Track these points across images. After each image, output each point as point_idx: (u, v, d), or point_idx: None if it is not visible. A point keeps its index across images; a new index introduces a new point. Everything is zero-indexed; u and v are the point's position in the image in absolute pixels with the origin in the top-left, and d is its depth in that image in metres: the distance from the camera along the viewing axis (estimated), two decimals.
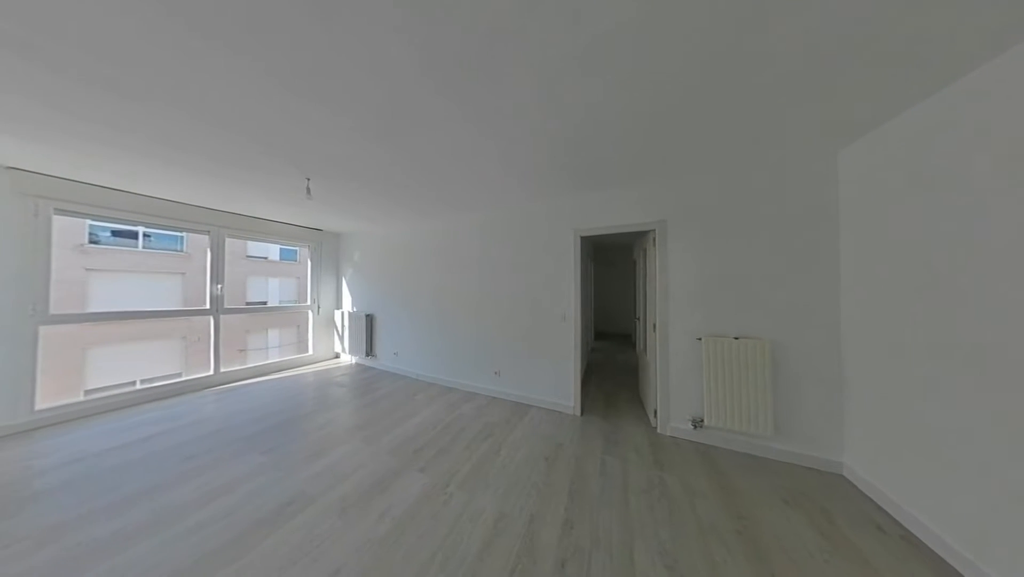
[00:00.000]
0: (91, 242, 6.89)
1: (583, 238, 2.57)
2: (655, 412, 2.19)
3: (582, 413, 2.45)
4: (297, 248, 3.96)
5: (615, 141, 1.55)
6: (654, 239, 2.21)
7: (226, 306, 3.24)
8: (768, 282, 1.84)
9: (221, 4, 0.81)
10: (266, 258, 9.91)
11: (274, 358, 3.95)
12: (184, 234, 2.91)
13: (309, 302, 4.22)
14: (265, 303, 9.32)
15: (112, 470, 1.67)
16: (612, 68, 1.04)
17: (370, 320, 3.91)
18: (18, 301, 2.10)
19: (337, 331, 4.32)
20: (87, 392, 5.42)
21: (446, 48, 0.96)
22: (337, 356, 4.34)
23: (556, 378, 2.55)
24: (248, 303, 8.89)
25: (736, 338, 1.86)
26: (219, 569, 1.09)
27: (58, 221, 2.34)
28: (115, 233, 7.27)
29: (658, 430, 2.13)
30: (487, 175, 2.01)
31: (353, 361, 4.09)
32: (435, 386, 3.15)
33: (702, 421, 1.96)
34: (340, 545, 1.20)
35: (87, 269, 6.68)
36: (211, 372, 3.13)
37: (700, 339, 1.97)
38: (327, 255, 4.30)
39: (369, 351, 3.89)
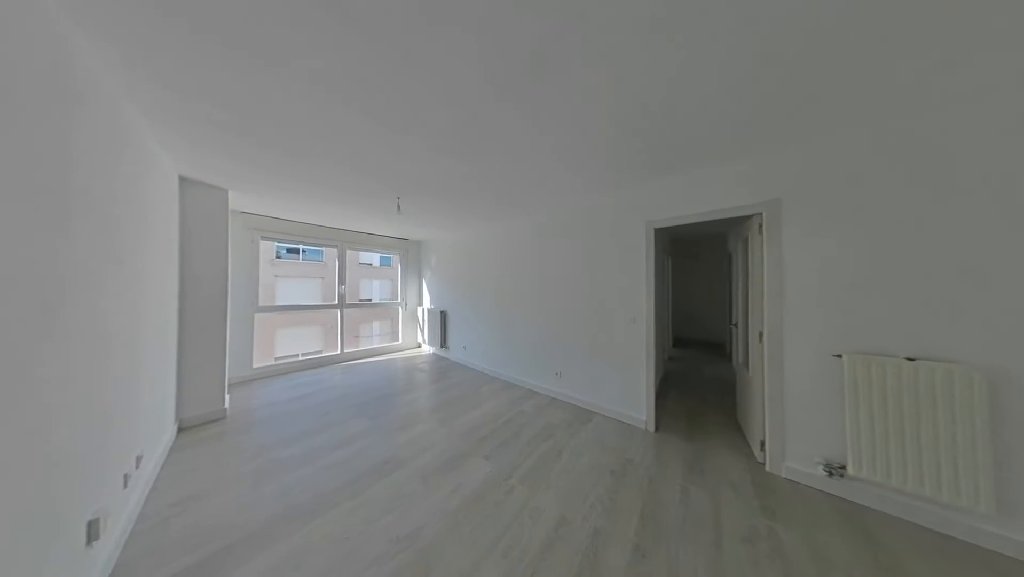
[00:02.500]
0: (277, 257, 10.19)
1: (658, 230, 2.26)
2: (762, 444, 1.73)
3: (657, 429, 2.16)
4: (391, 255, 4.86)
5: (706, 108, 1.28)
6: (760, 225, 1.75)
7: (347, 302, 4.25)
8: (970, 278, 1.21)
9: (340, 67, 1.06)
10: (371, 264, 12.63)
11: (376, 344, 4.94)
12: (322, 248, 3.99)
13: (399, 300, 5.10)
14: (370, 300, 11.91)
15: (288, 414, 2.42)
16: (708, 15, 0.87)
17: (444, 316, 4.44)
18: (247, 297, 3.27)
19: (419, 324, 5.06)
20: (276, 359, 8.01)
21: (508, 55, 1.00)
22: (419, 346, 5.09)
23: (624, 386, 2.32)
24: (360, 300, 11.49)
25: (911, 359, 1.29)
26: (346, 500, 1.44)
27: (262, 244, 3.54)
28: (288, 250, 10.53)
29: (767, 467, 1.68)
30: (547, 172, 1.99)
31: (431, 351, 4.72)
32: (498, 380, 3.33)
33: (843, 468, 1.44)
34: (421, 507, 1.40)
35: (275, 276, 9.91)
36: (338, 351, 4.16)
37: (840, 356, 1.45)
38: (411, 260, 5.10)
39: (443, 343, 4.41)
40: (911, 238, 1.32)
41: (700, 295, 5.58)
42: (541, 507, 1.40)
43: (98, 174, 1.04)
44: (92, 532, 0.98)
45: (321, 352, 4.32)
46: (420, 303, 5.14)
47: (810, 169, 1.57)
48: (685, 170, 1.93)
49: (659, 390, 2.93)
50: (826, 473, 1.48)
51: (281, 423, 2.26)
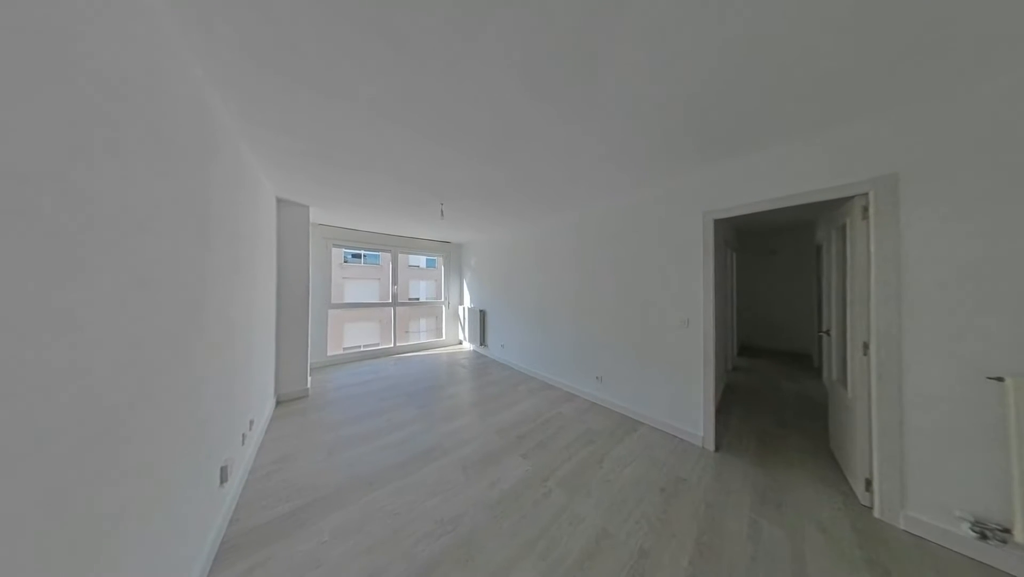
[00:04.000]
0: (344, 261, 11.86)
1: (719, 222, 1.98)
2: (868, 482, 1.39)
3: (717, 448, 1.90)
4: (435, 257, 5.25)
5: (784, 76, 1.09)
6: (865, 209, 1.40)
7: (399, 301, 4.72)
8: None
9: (390, 90, 1.19)
10: (418, 266, 13.82)
11: (422, 340, 5.37)
12: (379, 253, 4.52)
13: (442, 299, 5.46)
14: (418, 299, 13.02)
15: (353, 397, 2.79)
16: None
17: (483, 315, 4.60)
18: (323, 296, 3.87)
19: (460, 322, 5.35)
20: (344, 348, 9.36)
21: (544, 55, 0.99)
22: (460, 343, 5.38)
23: (674, 396, 2.10)
24: (409, 299, 12.67)
25: None
26: (397, 479, 1.61)
27: (333, 251, 4.16)
28: (352, 255, 12.17)
29: (876, 513, 1.34)
30: (587, 169, 1.92)
31: (471, 348, 4.95)
32: (535, 380, 3.32)
33: (1006, 532, 1.07)
34: (463, 495, 1.48)
35: (343, 277, 11.54)
36: (392, 345, 4.65)
37: (1001, 380, 1.08)
38: (453, 261, 5.42)
39: (482, 341, 4.58)
40: None
41: (776, 296, 4.71)
42: (581, 515, 1.36)
43: (226, 201, 1.36)
44: (223, 475, 1.28)
45: (378, 344, 4.88)
46: (461, 302, 5.43)
47: (949, 132, 1.20)
48: (754, 151, 1.66)
49: (720, 404, 2.58)
50: (976, 534, 1.12)
51: (348, 404, 2.62)
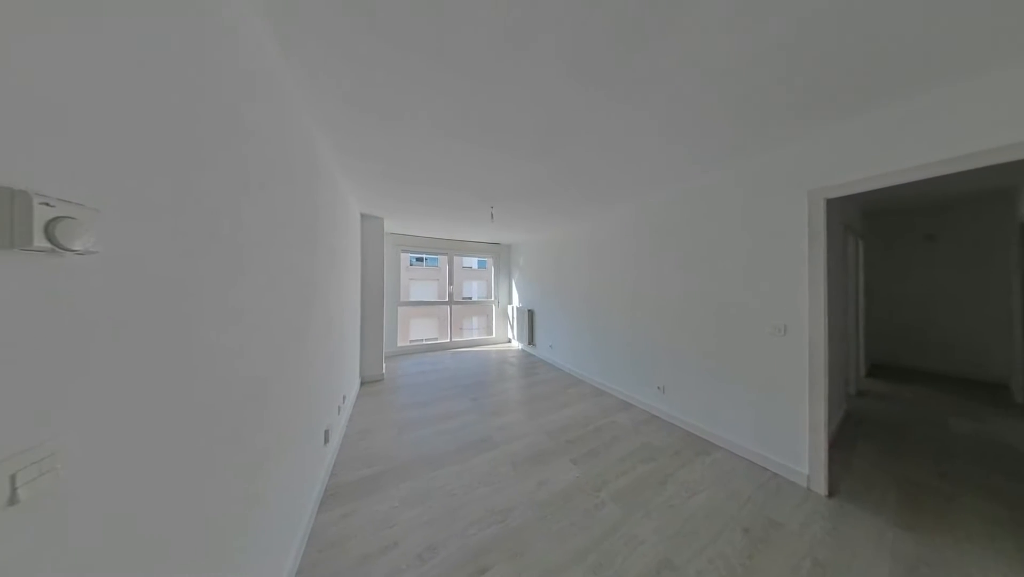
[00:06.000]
0: (410, 264, 13.50)
1: (832, 202, 1.54)
2: None
3: (831, 493, 1.48)
4: (486, 258, 5.52)
5: None
6: None
7: (454, 299, 5.12)
8: None
9: (442, 106, 1.29)
10: (471, 268, 14.76)
11: (474, 336, 5.70)
12: (437, 256, 5.01)
13: (492, 298, 5.70)
14: (470, 298, 13.95)
15: (417, 384, 3.16)
16: None
17: (531, 314, 4.62)
18: (394, 295, 4.49)
19: (509, 321, 5.49)
20: (410, 341, 10.68)
21: (595, 35, 0.93)
22: (509, 341, 5.52)
23: (763, 418, 1.72)
24: (463, 298, 13.68)
25: None
26: (454, 463, 1.75)
27: (401, 256, 4.78)
28: (416, 259, 13.77)
29: None
30: (644, 155, 1.73)
31: (519, 347, 5.02)
32: (585, 384, 3.17)
33: None
34: (512, 489, 1.52)
35: (409, 279, 13.16)
36: (448, 340, 5.09)
37: None
38: (502, 262, 5.60)
39: (530, 340, 4.60)
40: None
41: (939, 299, 3.39)
42: (638, 536, 1.24)
43: (326, 218, 1.69)
44: (326, 437, 1.61)
45: (436, 339, 5.40)
46: (510, 301, 5.56)
47: None
48: (895, 100, 1.23)
49: (837, 436, 2.01)
50: None
51: (414, 390, 2.97)
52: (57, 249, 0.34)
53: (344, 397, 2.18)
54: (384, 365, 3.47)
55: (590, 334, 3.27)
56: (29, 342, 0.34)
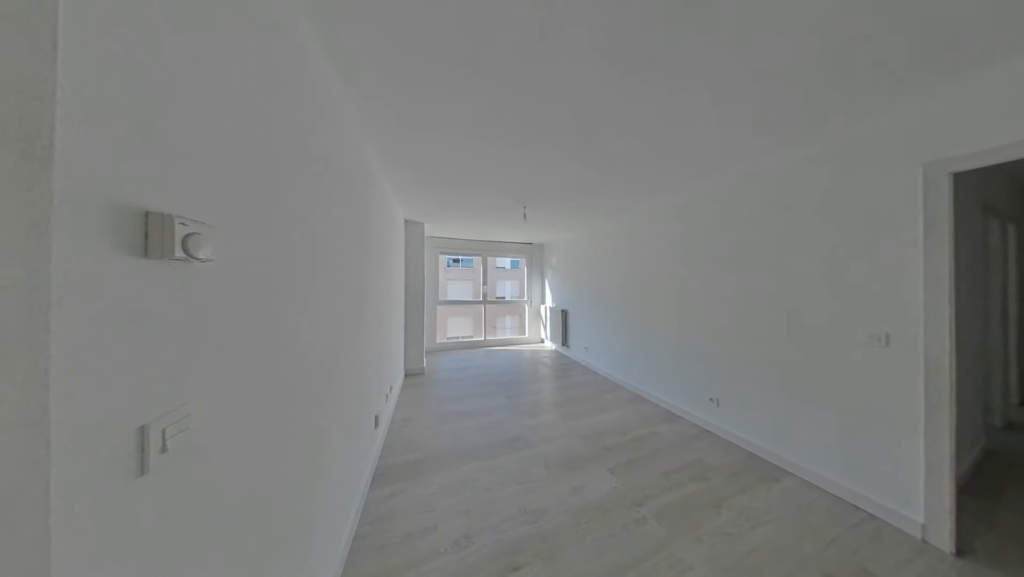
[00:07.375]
0: (447, 265, 14.30)
1: (961, 176, 1.20)
2: None
3: (960, 552, 1.16)
4: (519, 259, 5.56)
5: None
6: None
7: (488, 299, 5.26)
8: None
9: (475, 111, 1.32)
10: (504, 268, 15.05)
11: (507, 336, 5.78)
12: (472, 257, 5.21)
13: (525, 298, 5.71)
14: (504, 297, 14.20)
15: (454, 380, 3.33)
16: None
17: (565, 315, 4.51)
18: (433, 295, 4.80)
19: (542, 321, 5.44)
20: (447, 338, 11.30)
21: (631, 24, 0.86)
22: (542, 341, 5.47)
23: (852, 446, 1.42)
24: (496, 297, 14.00)
25: None
26: (487, 458, 1.80)
27: (439, 257, 5.08)
28: (453, 260, 14.51)
29: None
30: (687, 138, 1.55)
31: (552, 347, 4.94)
32: (623, 390, 2.98)
33: None
34: (545, 492, 1.50)
35: (447, 279, 13.91)
36: (482, 338, 5.25)
37: None
38: (535, 262, 5.57)
39: (564, 341, 4.49)
40: None
41: None
42: (686, 562, 1.12)
43: (378, 224, 1.88)
44: (376, 422, 1.79)
45: (471, 337, 5.59)
46: (543, 301, 5.51)
47: None
48: None
49: (971, 479, 1.57)
50: None
51: (451, 385, 3.14)
52: (189, 258, 0.44)
53: (391, 387, 2.40)
54: (425, 359, 3.72)
55: (628, 337, 3.07)
56: (173, 327, 0.45)
